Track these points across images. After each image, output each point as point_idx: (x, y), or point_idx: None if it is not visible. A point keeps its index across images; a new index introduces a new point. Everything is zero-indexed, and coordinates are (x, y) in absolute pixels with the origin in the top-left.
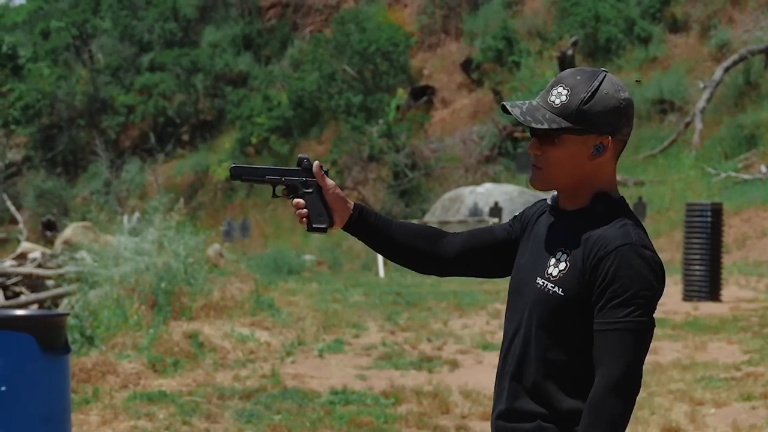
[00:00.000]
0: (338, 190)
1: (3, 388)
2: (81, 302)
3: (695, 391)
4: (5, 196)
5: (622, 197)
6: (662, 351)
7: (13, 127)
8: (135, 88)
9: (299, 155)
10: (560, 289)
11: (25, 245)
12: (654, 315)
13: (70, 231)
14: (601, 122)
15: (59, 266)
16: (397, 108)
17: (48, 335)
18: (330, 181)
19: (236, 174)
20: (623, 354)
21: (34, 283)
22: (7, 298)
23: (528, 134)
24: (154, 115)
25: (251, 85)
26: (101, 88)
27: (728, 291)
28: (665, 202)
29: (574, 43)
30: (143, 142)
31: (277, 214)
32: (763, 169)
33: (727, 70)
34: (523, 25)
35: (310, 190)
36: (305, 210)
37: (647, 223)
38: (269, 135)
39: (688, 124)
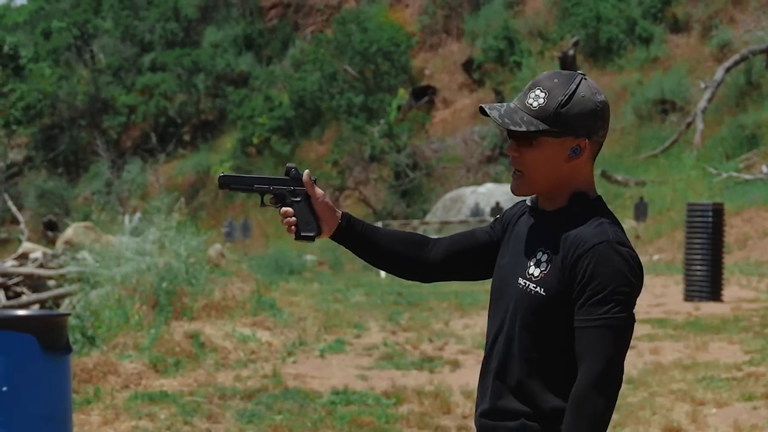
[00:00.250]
0: (327, 199)
1: (4, 389)
2: (82, 302)
3: (696, 391)
4: (7, 197)
5: (600, 197)
6: (663, 351)
7: (14, 127)
8: (136, 89)
9: (287, 165)
10: (542, 289)
11: (26, 245)
12: (634, 311)
13: (72, 231)
14: (578, 125)
15: (60, 266)
16: (399, 108)
17: (49, 335)
18: (319, 190)
19: (225, 183)
20: (604, 350)
21: (36, 283)
22: (8, 298)
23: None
24: (155, 115)
25: (252, 85)
26: (102, 88)
27: (729, 291)
28: (666, 202)
29: (576, 44)
30: (144, 142)
31: (278, 215)
32: (764, 169)
33: (728, 70)
34: (524, 25)
35: (298, 199)
36: (293, 218)
37: (649, 224)
38: (270, 135)
39: (689, 124)
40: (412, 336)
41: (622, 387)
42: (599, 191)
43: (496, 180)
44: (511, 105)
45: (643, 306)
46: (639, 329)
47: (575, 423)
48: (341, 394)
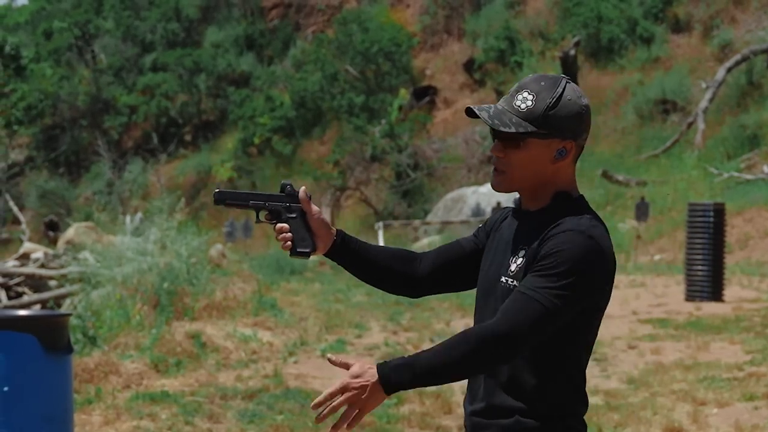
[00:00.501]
0: (323, 216)
1: (6, 389)
2: (83, 302)
3: (698, 391)
4: (8, 197)
5: (582, 196)
6: (665, 351)
7: (15, 127)
8: (137, 89)
9: (282, 181)
10: (517, 282)
11: (27, 245)
12: (577, 307)
13: (73, 231)
14: (565, 127)
15: (62, 266)
16: (400, 108)
17: (50, 335)
18: (315, 207)
19: (220, 199)
20: (518, 317)
21: (37, 283)
22: (9, 298)
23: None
24: (156, 115)
25: (254, 85)
26: (104, 88)
27: (731, 291)
28: (668, 202)
29: (577, 44)
30: (146, 142)
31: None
32: (765, 169)
33: (729, 70)
34: (525, 25)
35: (293, 215)
36: (289, 234)
37: (650, 224)
38: (272, 135)
39: (690, 125)
40: (413, 336)
41: (623, 387)
42: (600, 191)
43: None
44: (499, 106)
45: (644, 306)
46: (640, 329)
47: (450, 346)
48: None
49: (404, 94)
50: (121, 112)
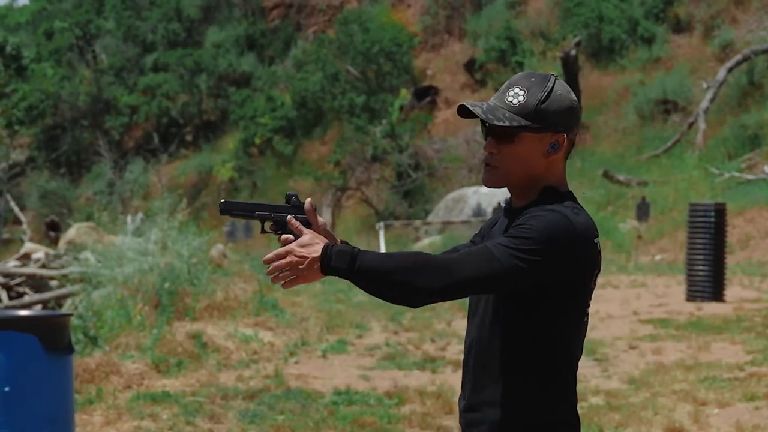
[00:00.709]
0: (327, 228)
1: (7, 389)
2: (84, 303)
3: (698, 392)
4: (9, 197)
5: (570, 191)
6: (666, 351)
7: (16, 127)
8: (138, 89)
9: (287, 192)
10: None
11: (28, 246)
12: (534, 277)
13: (74, 231)
14: (557, 121)
15: (63, 267)
16: (401, 108)
17: (51, 335)
18: (320, 219)
19: (226, 209)
20: (467, 259)
21: (38, 283)
22: (11, 298)
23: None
24: (157, 115)
25: (254, 85)
26: (105, 88)
27: (731, 291)
28: (668, 202)
29: (578, 44)
30: (147, 142)
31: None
32: (766, 169)
33: (730, 70)
34: (526, 25)
35: None
36: None
37: (651, 224)
38: (273, 135)
39: (691, 125)
40: (414, 336)
41: (624, 387)
42: (601, 191)
43: None
44: (491, 103)
45: (645, 306)
46: (641, 329)
47: (392, 257)
48: (343, 395)
49: (405, 95)
50: (122, 112)
